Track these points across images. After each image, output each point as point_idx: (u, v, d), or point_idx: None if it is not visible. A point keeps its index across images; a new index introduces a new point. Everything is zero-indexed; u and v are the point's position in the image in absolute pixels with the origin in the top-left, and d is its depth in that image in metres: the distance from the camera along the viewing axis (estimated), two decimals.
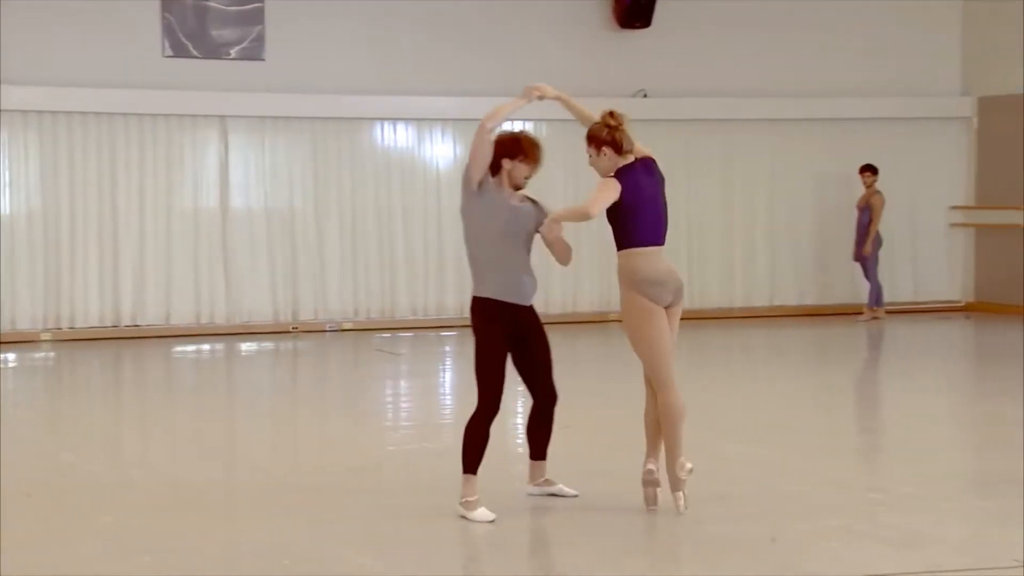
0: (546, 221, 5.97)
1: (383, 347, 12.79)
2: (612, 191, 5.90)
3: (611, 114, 6.07)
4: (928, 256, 15.39)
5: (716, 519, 5.94)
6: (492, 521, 5.84)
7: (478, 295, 6.08)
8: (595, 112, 6.11)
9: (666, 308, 5.96)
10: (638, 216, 5.92)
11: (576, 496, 6.25)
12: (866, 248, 14.32)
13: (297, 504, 6.33)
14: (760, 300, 15.05)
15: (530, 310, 6.11)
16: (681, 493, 5.94)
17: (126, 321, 13.38)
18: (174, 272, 13.46)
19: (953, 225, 15.47)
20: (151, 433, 8.82)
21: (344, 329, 13.82)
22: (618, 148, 6.01)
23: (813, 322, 14.50)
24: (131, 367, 12.09)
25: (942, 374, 11.20)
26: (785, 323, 14.51)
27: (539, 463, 6.29)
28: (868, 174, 14.39)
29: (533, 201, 6.18)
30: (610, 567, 5.39)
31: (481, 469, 6.00)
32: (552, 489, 6.29)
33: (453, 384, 11.20)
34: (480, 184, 6.01)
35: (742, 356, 12.69)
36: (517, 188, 6.09)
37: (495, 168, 6.06)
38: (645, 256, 5.92)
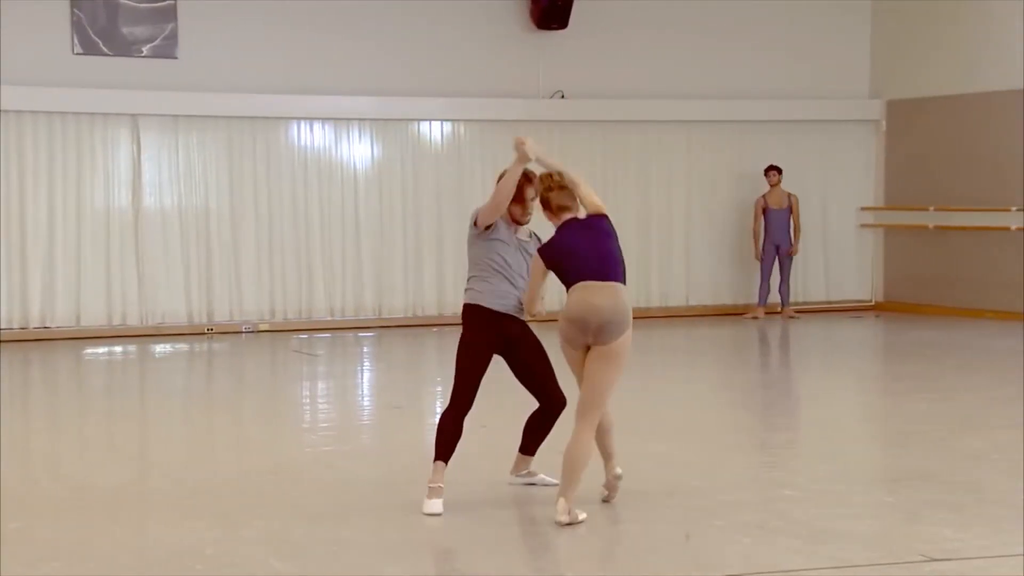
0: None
1: (300, 348, 12.70)
2: (538, 274, 5.98)
3: (541, 178, 6.05)
4: (839, 256, 15.67)
5: (630, 518, 5.99)
6: (438, 515, 5.95)
7: (468, 302, 6.22)
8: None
9: (591, 346, 5.85)
10: (563, 267, 5.93)
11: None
12: (796, 248, 14.69)
13: (211, 507, 6.26)
14: (677, 300, 15.20)
15: (522, 323, 6.23)
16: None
17: (35, 323, 13.12)
18: (85, 273, 13.23)
19: (863, 226, 15.78)
20: (61, 437, 8.64)
21: (260, 330, 13.70)
22: (548, 207, 6.01)
23: (729, 321, 14.69)
24: (40, 370, 11.85)
25: (853, 372, 11.42)
26: (701, 322, 14.68)
27: (526, 458, 6.48)
28: (777, 173, 14.70)
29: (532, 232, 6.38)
30: (523, 567, 5.41)
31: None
32: (533, 479, 6.46)
33: (371, 385, 11.15)
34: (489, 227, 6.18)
35: (658, 356, 12.80)
36: (520, 224, 6.28)
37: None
38: (575, 290, 5.87)
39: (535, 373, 6.24)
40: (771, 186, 14.74)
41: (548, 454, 6.43)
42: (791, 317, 14.73)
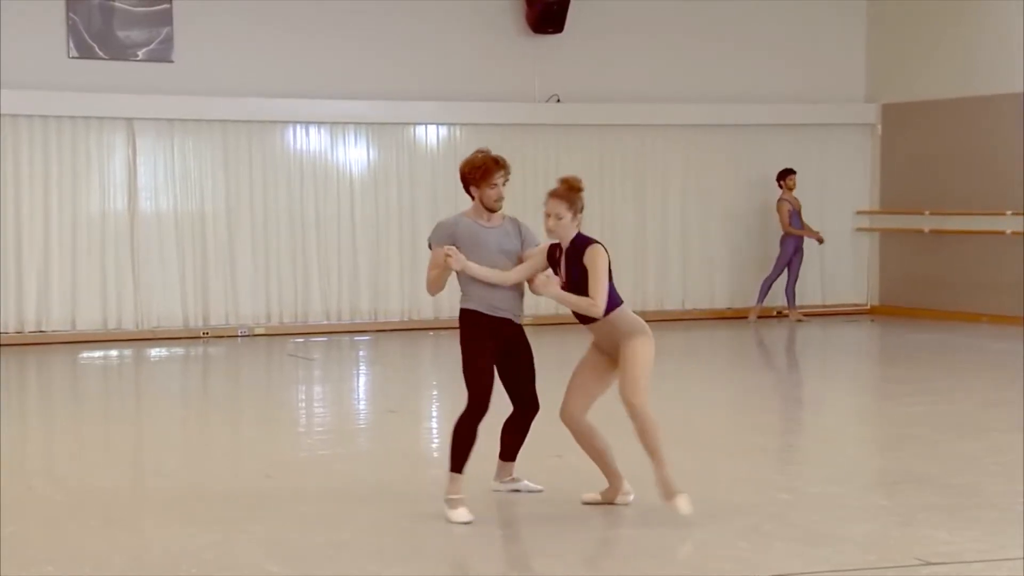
0: (547, 290, 5.97)
1: (296, 352, 12.69)
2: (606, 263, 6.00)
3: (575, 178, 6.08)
4: (835, 260, 15.68)
5: (626, 521, 5.99)
6: (468, 523, 5.87)
7: (465, 307, 6.13)
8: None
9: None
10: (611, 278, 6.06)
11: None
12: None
13: (207, 511, 6.25)
14: (672, 303, 15.20)
15: (518, 325, 6.18)
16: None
17: (30, 327, 13.10)
18: (80, 277, 13.22)
19: (858, 229, 15.79)
20: (56, 441, 8.64)
21: (256, 334, 13.68)
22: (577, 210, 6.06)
23: (725, 325, 14.69)
24: (36, 374, 11.83)
25: (848, 375, 11.42)
26: (697, 326, 14.68)
27: (508, 464, 6.42)
28: (793, 176, 14.69)
29: (514, 222, 6.25)
30: (520, 570, 5.41)
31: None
32: (517, 485, 6.41)
33: (367, 389, 11.14)
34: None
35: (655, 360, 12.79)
36: (492, 211, 6.15)
37: (471, 195, 6.20)
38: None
39: (520, 377, 6.20)
40: (790, 189, 14.72)
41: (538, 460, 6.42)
42: (799, 320, 14.75)
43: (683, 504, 5.90)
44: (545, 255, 6.11)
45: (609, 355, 6.07)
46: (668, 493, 5.95)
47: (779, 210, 14.71)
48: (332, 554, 5.56)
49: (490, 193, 6.09)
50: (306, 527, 5.93)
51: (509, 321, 6.14)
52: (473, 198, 6.18)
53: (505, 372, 6.19)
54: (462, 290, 6.16)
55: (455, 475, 6.00)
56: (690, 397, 10.18)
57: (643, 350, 6.02)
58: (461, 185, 6.21)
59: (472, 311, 6.11)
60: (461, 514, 5.92)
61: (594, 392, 6.13)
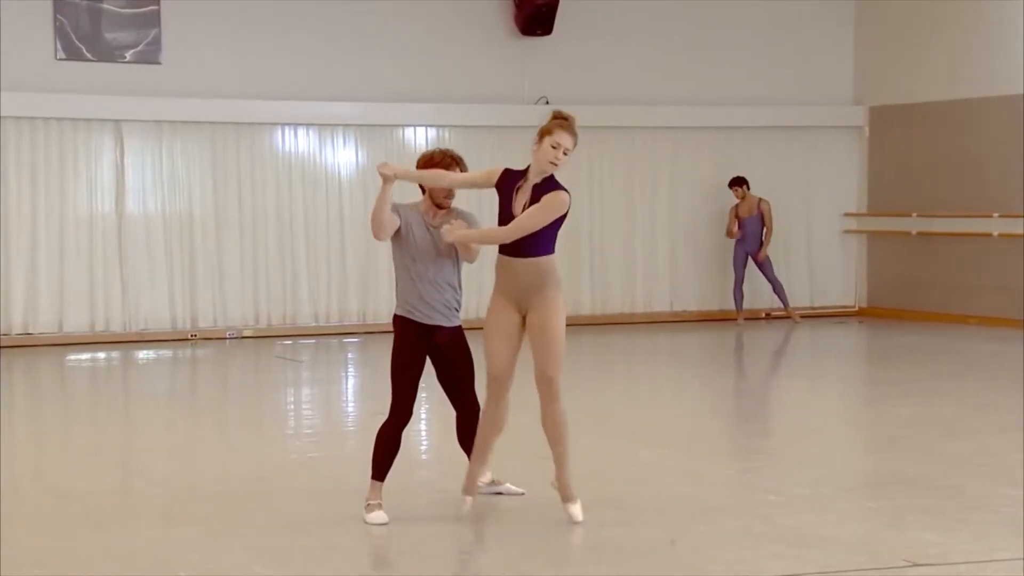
0: (453, 236, 5.85)
1: (284, 354, 12.67)
2: (564, 208, 5.67)
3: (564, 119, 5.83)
4: (823, 262, 15.73)
5: (614, 523, 5.99)
6: (384, 524, 5.89)
7: (395, 312, 6.14)
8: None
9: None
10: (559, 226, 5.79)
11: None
12: (763, 253, 14.67)
13: (196, 513, 6.24)
14: (661, 305, 15.22)
15: (451, 330, 6.10)
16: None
17: (17, 329, 13.06)
18: (68, 279, 13.18)
19: (846, 231, 15.83)
20: (43, 444, 8.61)
21: (244, 336, 13.66)
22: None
23: (714, 327, 14.71)
24: (22, 377, 11.79)
25: (837, 377, 11.45)
26: (686, 328, 14.70)
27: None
28: (740, 187, 14.66)
29: (459, 215, 6.14)
30: (510, 571, 5.40)
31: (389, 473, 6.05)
32: (499, 488, 6.40)
33: (356, 391, 11.13)
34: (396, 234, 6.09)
35: (642, 361, 12.83)
36: (440, 207, 6.10)
37: (422, 190, 6.18)
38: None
39: (456, 383, 6.15)
40: (738, 199, 14.77)
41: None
42: (797, 321, 14.78)
43: (577, 511, 5.85)
44: (494, 179, 5.80)
45: (516, 308, 5.76)
46: (567, 496, 5.87)
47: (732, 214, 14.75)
48: (322, 557, 5.55)
49: (439, 191, 6.04)
50: (295, 530, 5.92)
51: (439, 328, 6.05)
52: (424, 192, 6.15)
53: (442, 377, 6.19)
54: (396, 289, 6.15)
55: (375, 482, 6.01)
56: (679, 398, 10.19)
57: (560, 313, 5.72)
58: None
59: (399, 316, 6.08)
60: (377, 516, 5.93)
61: (515, 359, 5.82)
